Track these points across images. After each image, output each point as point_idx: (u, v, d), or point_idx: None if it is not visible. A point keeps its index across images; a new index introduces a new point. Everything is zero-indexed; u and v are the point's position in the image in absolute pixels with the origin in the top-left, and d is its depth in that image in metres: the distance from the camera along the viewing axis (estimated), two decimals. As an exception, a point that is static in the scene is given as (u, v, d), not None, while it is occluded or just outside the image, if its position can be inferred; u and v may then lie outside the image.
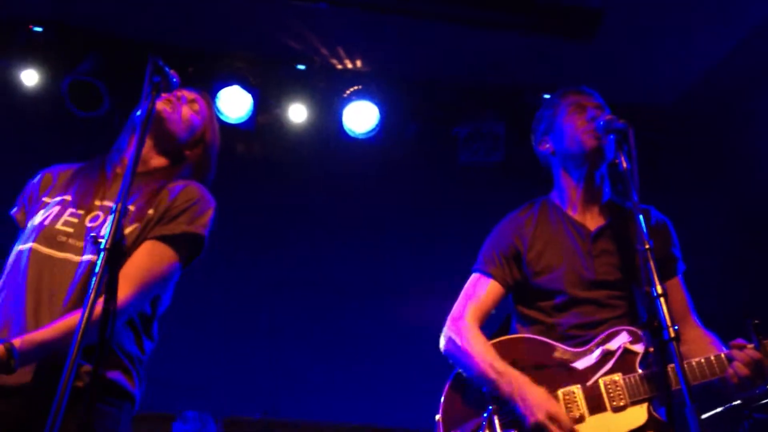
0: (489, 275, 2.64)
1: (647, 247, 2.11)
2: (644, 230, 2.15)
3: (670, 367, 2.04)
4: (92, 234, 1.82)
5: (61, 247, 2.21)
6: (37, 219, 2.28)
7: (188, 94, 2.61)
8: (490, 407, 2.31)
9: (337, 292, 6.12)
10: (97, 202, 2.31)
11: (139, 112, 2.40)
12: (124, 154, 2.54)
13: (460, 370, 2.53)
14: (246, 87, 5.67)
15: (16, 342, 1.93)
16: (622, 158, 2.33)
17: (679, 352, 1.94)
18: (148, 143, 2.46)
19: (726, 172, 6.38)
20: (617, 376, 2.37)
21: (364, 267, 6.25)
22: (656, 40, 5.58)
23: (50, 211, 2.29)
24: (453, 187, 6.44)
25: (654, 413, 2.30)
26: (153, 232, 2.23)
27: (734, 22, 5.37)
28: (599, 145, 2.59)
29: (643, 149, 6.08)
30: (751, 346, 2.31)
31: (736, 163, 6.36)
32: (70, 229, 2.24)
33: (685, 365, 2.19)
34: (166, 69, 2.16)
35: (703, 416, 3.51)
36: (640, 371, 2.36)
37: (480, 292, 2.63)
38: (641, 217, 2.16)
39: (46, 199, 2.37)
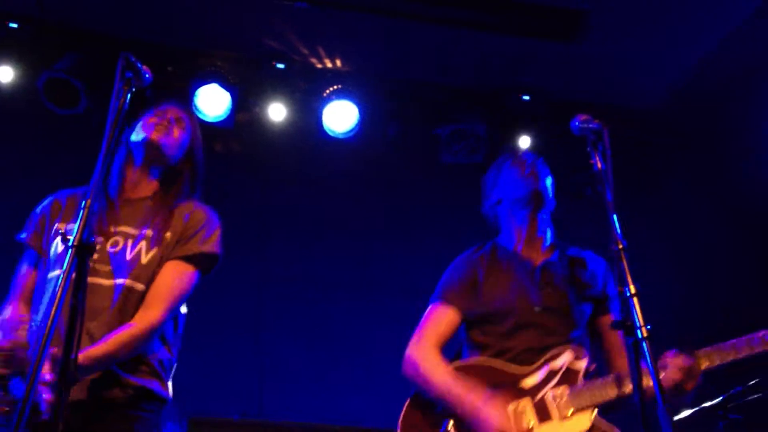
0: (447, 303, 2.88)
1: (620, 247, 2.13)
2: (618, 230, 2.17)
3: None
4: (61, 231, 1.81)
5: (91, 272, 2.29)
6: (61, 247, 2.46)
7: (175, 113, 2.72)
8: (447, 421, 2.60)
9: (319, 290, 6.11)
10: (112, 228, 2.51)
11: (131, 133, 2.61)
12: (121, 178, 2.64)
13: (418, 391, 2.77)
14: (224, 85, 5.65)
15: (79, 357, 2.03)
16: (597, 159, 2.35)
17: (651, 351, 1.95)
18: (141, 167, 2.63)
19: (713, 173, 6.43)
20: (563, 389, 2.60)
21: (345, 265, 6.24)
22: (642, 41, 5.60)
23: (65, 242, 2.34)
24: (435, 186, 6.45)
25: (598, 420, 2.56)
26: (174, 253, 2.50)
27: (718, 23, 5.40)
28: (539, 187, 2.93)
29: (630, 151, 6.14)
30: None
31: (723, 164, 6.40)
32: (95, 255, 2.26)
33: (621, 378, 2.53)
34: (138, 65, 2.15)
35: (678, 417, 3.53)
36: (582, 384, 2.62)
37: (439, 320, 2.87)
38: (615, 217, 2.18)
39: (59, 226, 2.54)
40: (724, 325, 6.12)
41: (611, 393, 2.54)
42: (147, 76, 2.17)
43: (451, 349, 2.95)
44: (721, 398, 3.64)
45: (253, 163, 6.23)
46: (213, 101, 5.70)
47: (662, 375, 2.46)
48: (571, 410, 2.56)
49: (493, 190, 3.08)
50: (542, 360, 2.66)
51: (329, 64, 5.90)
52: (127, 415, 2.35)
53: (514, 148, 3.11)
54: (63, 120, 5.70)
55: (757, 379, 3.72)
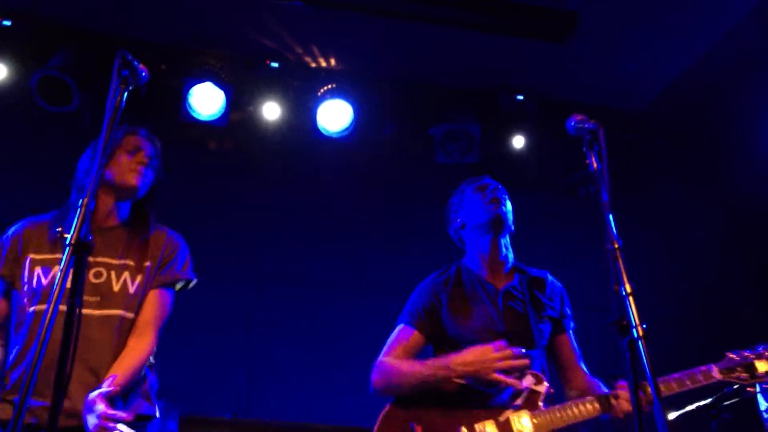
0: (412, 327, 3.06)
1: (616, 246, 2.14)
2: (613, 230, 2.18)
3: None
4: (58, 229, 1.81)
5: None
6: (40, 280, 2.56)
7: (148, 150, 2.82)
8: (412, 424, 2.82)
9: (312, 290, 6.10)
10: (91, 259, 2.53)
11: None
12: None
13: (391, 403, 2.98)
14: (219, 84, 5.64)
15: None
16: (593, 159, 2.35)
17: (647, 350, 1.96)
18: (109, 201, 2.72)
19: (704, 173, 6.46)
20: (524, 413, 2.78)
21: (339, 265, 6.24)
22: (632, 42, 5.63)
23: (52, 271, 2.57)
24: (430, 186, 6.44)
25: None
26: (156, 282, 2.68)
27: (709, 24, 5.44)
28: (500, 213, 3.12)
29: (620, 152, 6.16)
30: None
31: (714, 164, 6.44)
32: None
33: (578, 404, 2.78)
34: (135, 63, 2.15)
35: (672, 416, 3.55)
36: (542, 407, 2.80)
37: (404, 340, 3.06)
38: (611, 216, 2.20)
39: (35, 257, 2.63)
40: (715, 323, 6.20)
41: (570, 420, 2.76)
42: (143, 74, 2.17)
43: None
44: (713, 398, 3.65)
45: (247, 162, 6.22)
46: (207, 100, 5.69)
47: (614, 403, 2.75)
48: None
49: (458, 214, 3.29)
50: (505, 383, 2.80)
51: (323, 63, 5.90)
52: None
53: (477, 178, 3.36)
54: (56, 117, 5.68)
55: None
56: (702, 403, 3.70)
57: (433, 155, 6.18)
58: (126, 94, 2.11)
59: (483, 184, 3.26)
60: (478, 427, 2.78)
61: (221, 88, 5.66)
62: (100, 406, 2.34)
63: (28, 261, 2.65)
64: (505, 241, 3.21)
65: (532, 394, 2.81)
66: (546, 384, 2.83)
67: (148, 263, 2.70)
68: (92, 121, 5.67)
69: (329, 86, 5.80)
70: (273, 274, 6.06)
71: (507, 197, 3.25)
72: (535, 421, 2.77)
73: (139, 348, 2.61)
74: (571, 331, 3.18)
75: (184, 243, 2.85)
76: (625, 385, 2.70)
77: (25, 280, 2.64)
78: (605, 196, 2.25)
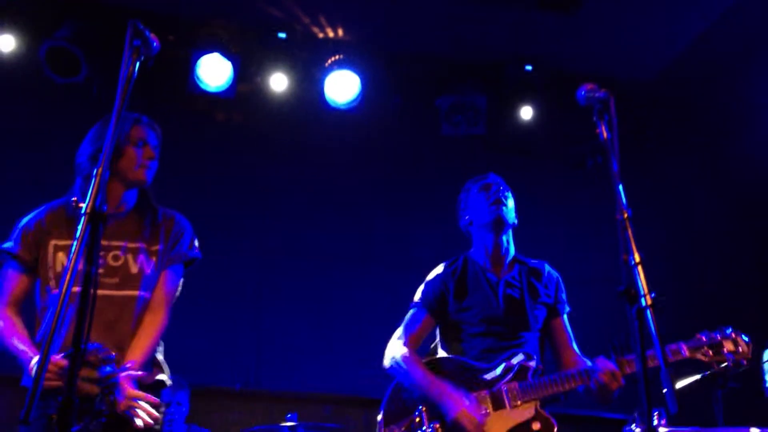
0: (425, 311, 3.40)
1: (625, 216, 2.15)
2: (623, 200, 2.19)
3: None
4: (73, 199, 1.84)
5: (101, 285, 2.67)
6: (62, 262, 2.74)
7: (154, 141, 2.94)
8: (420, 406, 3.14)
9: (319, 262, 6.12)
10: (105, 242, 2.74)
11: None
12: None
13: (398, 381, 3.29)
14: (226, 55, 5.63)
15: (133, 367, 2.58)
16: (603, 128, 2.35)
17: (655, 319, 1.98)
18: (119, 189, 2.85)
19: (709, 145, 6.44)
20: (514, 384, 3.12)
21: (345, 237, 6.25)
22: (640, 12, 5.59)
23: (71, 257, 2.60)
24: (436, 158, 6.45)
25: (540, 410, 3.10)
26: (167, 262, 2.87)
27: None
28: (501, 214, 3.38)
29: (627, 123, 6.14)
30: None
31: (719, 136, 6.42)
32: (101, 270, 2.70)
33: (561, 376, 3.09)
34: (147, 33, 2.14)
35: (679, 385, 3.58)
36: (530, 380, 3.13)
37: (416, 323, 3.40)
38: (620, 187, 2.20)
39: (57, 242, 2.78)
40: (720, 293, 6.21)
41: (552, 390, 3.07)
42: (155, 44, 2.17)
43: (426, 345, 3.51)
44: (720, 367, 3.68)
45: (254, 134, 6.22)
46: (214, 71, 5.68)
47: (593, 380, 3.02)
48: (519, 401, 3.09)
49: (466, 212, 3.56)
50: (500, 359, 3.18)
51: (331, 34, 5.88)
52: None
53: (481, 177, 3.60)
54: (64, 88, 5.68)
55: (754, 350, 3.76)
56: (708, 372, 3.72)
57: (439, 127, 6.18)
58: (138, 64, 2.11)
59: (487, 184, 3.49)
60: (474, 395, 3.12)
61: (228, 59, 5.64)
62: (132, 392, 2.54)
63: (51, 246, 2.79)
64: (507, 236, 3.48)
65: (522, 369, 3.13)
66: (535, 360, 3.15)
67: (159, 246, 2.88)
68: (99, 92, 5.67)
69: (336, 57, 5.78)
70: (280, 246, 6.09)
71: (509, 194, 3.49)
72: (523, 391, 3.10)
73: (155, 324, 2.79)
74: (565, 316, 3.43)
75: (189, 224, 3.02)
76: (602, 360, 3.03)
77: (49, 264, 2.77)
78: (615, 166, 2.25)
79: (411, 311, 3.44)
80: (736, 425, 3.53)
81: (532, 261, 3.51)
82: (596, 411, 5.84)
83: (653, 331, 1.96)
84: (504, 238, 3.45)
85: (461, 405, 3.04)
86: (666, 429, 3.46)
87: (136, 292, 2.79)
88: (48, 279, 2.77)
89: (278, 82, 5.92)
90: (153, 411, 2.53)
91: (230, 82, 5.73)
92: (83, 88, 5.64)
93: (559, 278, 3.50)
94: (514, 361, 3.15)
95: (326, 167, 6.28)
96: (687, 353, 3.01)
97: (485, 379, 3.16)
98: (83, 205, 1.82)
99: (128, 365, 2.62)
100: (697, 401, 3.76)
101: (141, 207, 2.93)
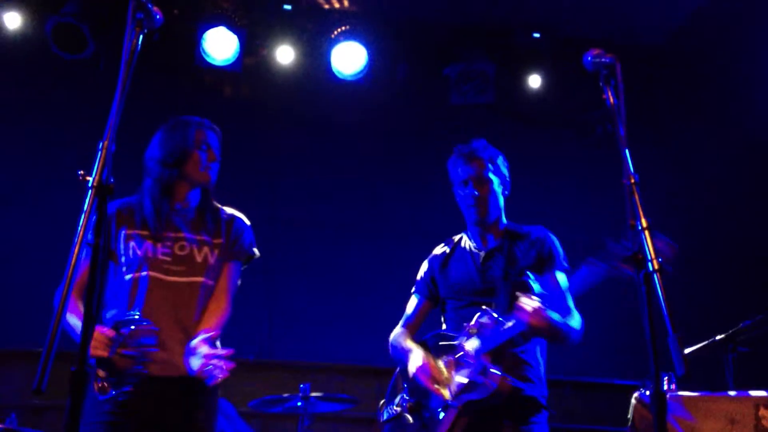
0: (422, 296, 3.49)
1: (632, 181, 2.14)
2: (630, 165, 2.18)
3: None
4: (80, 173, 1.85)
5: (168, 272, 2.98)
6: (135, 251, 3.01)
7: (215, 143, 3.19)
8: (403, 381, 3.31)
9: (328, 233, 6.15)
10: (172, 234, 3.05)
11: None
12: (171, 193, 3.10)
13: (399, 367, 3.39)
14: (232, 28, 5.61)
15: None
16: (609, 94, 2.34)
17: (661, 284, 1.98)
18: (186, 188, 3.12)
19: (720, 108, 6.39)
20: (474, 338, 3.10)
21: (354, 208, 6.27)
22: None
23: (144, 244, 3.01)
24: (444, 127, 6.43)
25: (486, 364, 3.05)
26: (229, 256, 3.13)
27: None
28: (479, 218, 3.32)
29: (636, 88, 6.10)
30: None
31: (729, 98, 6.36)
32: (169, 258, 3.00)
33: (509, 322, 2.99)
34: (149, 6, 2.14)
35: (688, 350, 3.59)
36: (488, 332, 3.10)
37: (414, 309, 3.51)
38: (627, 151, 2.19)
39: (129, 232, 3.04)
40: (728, 258, 6.20)
41: (504, 334, 2.98)
42: (158, 17, 2.16)
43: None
44: (730, 332, 3.69)
45: (261, 107, 6.22)
46: (220, 45, 5.67)
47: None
48: (476, 348, 3.05)
49: (453, 189, 3.49)
50: (466, 323, 3.17)
51: (336, 5, 5.84)
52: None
53: (454, 162, 3.45)
54: (71, 65, 5.69)
55: (763, 314, 3.77)
56: (718, 337, 3.74)
57: (447, 96, 6.15)
58: (141, 37, 2.11)
59: (464, 180, 3.36)
60: (440, 361, 3.19)
61: (234, 32, 5.63)
62: (204, 348, 2.75)
63: (122, 236, 3.03)
64: (493, 220, 3.37)
65: (482, 326, 3.10)
66: (495, 316, 3.08)
67: (221, 240, 3.12)
68: (106, 67, 5.67)
69: (343, 28, 5.75)
70: (291, 217, 6.11)
71: (488, 181, 3.33)
72: (482, 342, 3.06)
73: (220, 310, 3.05)
74: (555, 273, 3.27)
75: (249, 225, 3.26)
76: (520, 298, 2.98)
77: (122, 252, 3.02)
78: (622, 131, 2.24)
79: (411, 298, 3.55)
80: (746, 389, 3.54)
81: (525, 228, 3.41)
82: (607, 378, 5.88)
83: (660, 294, 1.96)
84: (488, 224, 3.37)
85: (420, 366, 3.13)
86: (677, 393, 3.47)
87: (200, 279, 3.03)
88: (120, 264, 3.02)
89: (285, 54, 5.91)
90: (225, 365, 2.74)
91: (237, 56, 5.72)
92: (90, 63, 5.64)
93: (549, 239, 3.35)
94: (473, 321, 3.12)
95: (335, 139, 6.27)
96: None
97: (454, 344, 3.18)
98: (90, 179, 1.83)
99: (202, 333, 2.88)
100: (709, 366, 3.78)
101: (204, 205, 3.16)
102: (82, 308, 2.81)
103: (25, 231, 5.69)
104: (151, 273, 2.97)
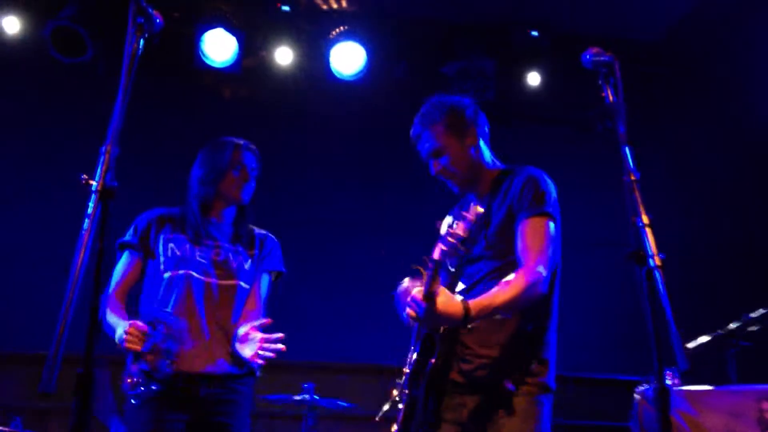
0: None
1: (633, 178, 2.15)
2: (630, 162, 2.19)
3: None
4: (84, 177, 1.86)
5: (205, 274, 3.18)
6: (174, 251, 3.21)
7: (252, 164, 3.41)
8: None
9: (329, 233, 6.16)
10: (210, 242, 3.27)
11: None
12: (209, 207, 3.33)
13: None
14: (231, 30, 5.62)
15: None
16: (609, 92, 2.34)
17: (663, 280, 1.98)
18: (222, 205, 3.35)
19: (720, 103, 6.39)
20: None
21: (355, 207, 6.28)
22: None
23: (183, 247, 3.22)
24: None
25: None
26: (263, 267, 3.36)
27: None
28: (458, 186, 2.99)
29: (636, 84, 6.10)
30: None
31: (730, 94, 6.37)
32: (205, 261, 3.21)
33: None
34: (150, 10, 2.15)
35: (690, 345, 3.60)
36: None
37: None
38: (627, 149, 2.19)
39: (168, 236, 3.25)
40: (731, 253, 6.21)
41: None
42: (158, 21, 2.17)
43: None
44: (732, 326, 3.70)
45: (261, 108, 6.23)
46: (219, 46, 5.68)
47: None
48: None
49: None
50: None
51: (335, 5, 5.85)
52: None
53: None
54: (70, 69, 5.70)
55: (766, 309, 3.78)
56: (720, 332, 3.75)
57: (447, 95, 6.15)
58: (142, 42, 2.12)
59: (424, 160, 3.11)
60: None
61: (233, 34, 5.64)
62: (257, 334, 2.98)
63: (162, 238, 3.24)
64: (470, 178, 2.98)
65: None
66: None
67: (255, 252, 3.35)
68: (106, 71, 5.68)
69: (341, 28, 5.76)
70: (289, 217, 6.11)
71: (440, 151, 2.96)
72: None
73: (255, 312, 3.25)
74: (518, 224, 2.78)
75: (278, 243, 3.51)
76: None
77: (160, 252, 3.21)
78: (621, 129, 2.25)
79: None
80: (749, 383, 3.55)
81: (509, 175, 2.93)
82: (609, 374, 5.89)
83: (662, 291, 1.97)
84: (473, 183, 2.98)
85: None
86: (679, 388, 3.48)
87: (236, 282, 3.22)
88: (158, 263, 3.19)
89: (284, 55, 5.92)
90: (274, 347, 2.99)
91: (235, 57, 5.73)
92: (89, 67, 5.65)
93: (525, 180, 2.86)
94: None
95: (334, 139, 6.28)
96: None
97: None
98: (93, 183, 1.85)
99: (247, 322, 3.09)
100: (711, 360, 3.80)
101: (239, 221, 3.40)
102: (123, 309, 3.09)
103: (26, 234, 5.71)
104: (189, 272, 3.16)
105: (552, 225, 2.79)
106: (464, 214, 2.48)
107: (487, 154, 3.03)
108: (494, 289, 2.55)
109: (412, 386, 2.71)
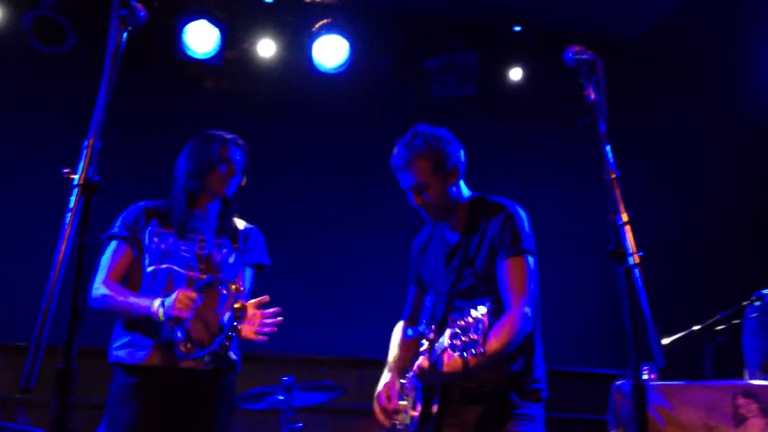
0: (414, 286, 3.34)
1: (613, 176, 2.17)
2: (611, 160, 2.21)
3: None
4: (66, 170, 1.86)
5: (188, 268, 3.22)
6: (159, 246, 3.24)
7: (239, 158, 3.44)
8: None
9: (313, 226, 6.15)
10: (194, 235, 3.30)
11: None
12: (194, 199, 3.35)
13: None
14: (213, 21, 5.59)
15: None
16: (591, 90, 2.36)
17: (641, 277, 2.01)
18: (208, 199, 3.38)
19: (703, 99, 6.44)
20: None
21: (339, 200, 6.28)
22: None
23: (168, 240, 3.25)
24: (427, 119, 6.42)
25: None
26: (247, 259, 3.41)
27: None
28: (432, 217, 3.08)
29: (619, 79, 6.14)
30: None
31: (713, 90, 6.41)
32: (188, 254, 3.25)
33: None
34: (132, 2, 2.14)
35: (666, 340, 3.64)
36: None
37: (411, 300, 3.37)
38: (608, 147, 2.21)
39: (155, 229, 3.27)
40: (714, 251, 6.28)
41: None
42: (141, 14, 2.16)
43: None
44: (708, 322, 3.75)
45: (243, 100, 6.20)
46: (201, 38, 5.65)
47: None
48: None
49: None
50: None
51: (318, -2, 5.84)
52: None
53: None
54: (50, 58, 5.65)
55: (741, 304, 3.83)
56: (696, 327, 3.79)
57: (430, 88, 6.16)
58: (125, 35, 2.11)
59: (404, 189, 3.13)
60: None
61: (215, 25, 5.61)
62: (255, 312, 3.08)
63: (148, 231, 3.26)
64: (444, 210, 3.07)
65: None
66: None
67: (239, 245, 3.39)
68: (86, 61, 5.63)
69: (324, 21, 5.75)
70: (272, 211, 6.10)
71: (419, 188, 3.02)
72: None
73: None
74: (498, 264, 2.90)
75: (263, 237, 3.54)
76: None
77: (146, 244, 3.24)
78: (603, 127, 2.27)
79: (409, 291, 3.40)
80: (725, 378, 3.60)
81: (486, 209, 3.00)
82: (588, 367, 5.94)
83: (641, 288, 1.99)
84: (447, 217, 3.09)
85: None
86: (656, 383, 3.52)
87: (218, 276, 3.23)
88: (144, 257, 3.23)
89: (266, 47, 5.89)
90: (273, 321, 3.11)
91: (218, 49, 5.70)
92: (70, 57, 5.60)
93: (502, 221, 2.91)
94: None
95: (317, 132, 6.28)
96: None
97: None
98: (75, 177, 1.84)
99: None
100: (687, 356, 3.84)
101: (223, 214, 3.42)
102: (122, 289, 3.16)
103: (8, 225, 5.66)
104: (171, 266, 3.20)
105: (531, 260, 2.90)
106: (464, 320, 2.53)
107: (464, 189, 3.11)
108: (489, 341, 2.54)
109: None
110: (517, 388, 2.90)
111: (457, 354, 2.49)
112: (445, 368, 2.66)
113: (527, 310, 2.80)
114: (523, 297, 2.81)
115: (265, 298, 3.15)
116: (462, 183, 3.11)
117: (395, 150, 3.14)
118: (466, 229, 3.02)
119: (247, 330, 3.08)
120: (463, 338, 2.47)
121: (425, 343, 2.80)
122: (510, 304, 2.81)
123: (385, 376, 3.12)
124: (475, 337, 2.43)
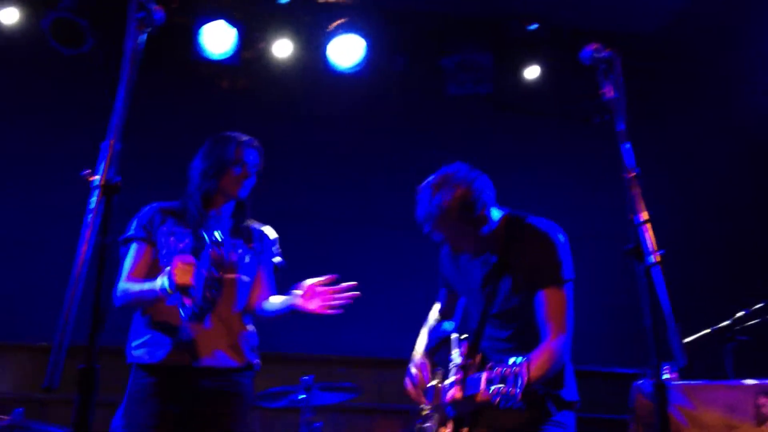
0: (441, 286, 3.37)
1: (632, 175, 2.15)
2: (630, 159, 2.19)
3: None
4: (87, 171, 1.86)
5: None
6: (176, 245, 3.23)
7: (254, 162, 3.44)
8: None
9: (325, 225, 6.16)
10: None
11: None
12: (209, 200, 3.35)
13: None
14: (230, 22, 5.61)
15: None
16: (609, 88, 2.34)
17: (662, 276, 1.99)
18: (222, 199, 3.38)
19: (719, 97, 6.39)
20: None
21: (352, 200, 6.28)
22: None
23: (184, 240, 3.25)
24: (442, 118, 6.44)
25: None
26: (264, 258, 3.43)
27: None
28: (457, 252, 3.11)
29: (633, 77, 6.09)
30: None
31: (730, 88, 6.37)
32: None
33: None
34: (150, 4, 2.14)
35: (688, 339, 3.62)
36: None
37: (441, 298, 3.39)
38: (628, 145, 2.20)
39: (170, 228, 3.28)
40: (728, 250, 6.23)
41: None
42: (158, 15, 2.17)
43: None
44: (729, 321, 3.72)
45: (259, 100, 6.22)
46: (218, 38, 5.67)
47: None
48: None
49: None
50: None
51: (333, -2, 5.85)
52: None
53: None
54: (70, 60, 5.68)
55: (762, 303, 3.80)
56: (717, 326, 3.77)
57: (445, 87, 6.16)
58: (144, 36, 2.12)
59: None
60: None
61: (232, 25, 5.63)
62: (323, 288, 3.27)
63: (164, 231, 3.27)
64: (470, 243, 3.06)
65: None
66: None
67: (255, 245, 3.41)
68: (106, 62, 5.66)
69: (340, 21, 5.75)
70: (288, 210, 6.11)
71: (444, 236, 3.01)
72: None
73: (259, 303, 3.39)
74: (536, 294, 2.88)
75: (277, 238, 3.57)
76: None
77: (162, 244, 3.24)
78: (622, 125, 2.25)
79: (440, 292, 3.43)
80: (745, 377, 3.57)
81: (522, 230, 2.99)
82: (607, 367, 5.91)
83: (662, 287, 1.98)
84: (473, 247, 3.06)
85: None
86: (677, 382, 3.50)
87: (235, 275, 3.26)
88: (160, 257, 3.22)
89: (282, 48, 5.91)
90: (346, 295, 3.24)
91: (234, 49, 5.72)
92: (90, 58, 5.64)
93: (537, 248, 2.91)
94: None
95: (333, 132, 6.28)
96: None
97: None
98: (96, 178, 1.85)
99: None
100: (708, 355, 3.81)
101: (238, 215, 3.44)
102: (137, 280, 3.17)
103: (30, 226, 5.72)
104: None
105: (568, 288, 2.87)
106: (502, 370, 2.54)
107: (494, 213, 2.98)
108: (524, 368, 2.54)
109: None
110: (553, 399, 2.90)
111: (493, 400, 2.52)
112: (479, 401, 2.71)
113: (564, 342, 2.78)
114: (561, 329, 2.79)
115: (333, 276, 3.25)
116: (492, 210, 2.97)
117: (418, 202, 3.04)
118: (503, 252, 2.96)
119: (314, 304, 3.20)
120: (500, 387, 2.49)
121: (458, 372, 2.85)
122: (547, 335, 2.79)
123: (418, 358, 3.18)
124: (514, 392, 2.44)
